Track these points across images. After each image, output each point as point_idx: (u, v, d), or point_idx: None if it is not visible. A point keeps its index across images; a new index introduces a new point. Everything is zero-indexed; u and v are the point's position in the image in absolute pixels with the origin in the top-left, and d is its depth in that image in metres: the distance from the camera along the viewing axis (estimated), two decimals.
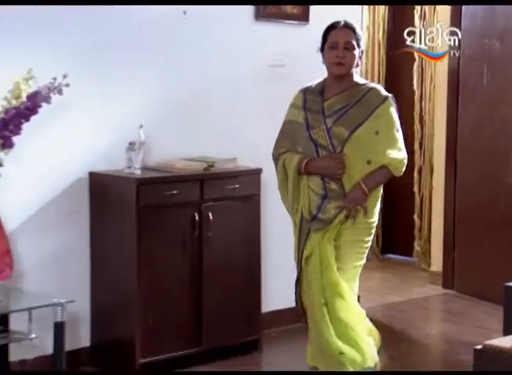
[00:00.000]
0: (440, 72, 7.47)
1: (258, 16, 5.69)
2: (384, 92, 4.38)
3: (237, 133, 5.74)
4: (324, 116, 4.30)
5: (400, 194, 8.14)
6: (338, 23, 4.37)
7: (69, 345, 4.68)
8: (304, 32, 5.86)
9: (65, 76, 4.50)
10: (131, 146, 5.09)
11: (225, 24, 5.61)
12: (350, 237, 4.35)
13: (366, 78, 6.97)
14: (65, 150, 5.04)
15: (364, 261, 4.48)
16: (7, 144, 4.41)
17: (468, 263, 7.10)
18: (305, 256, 4.38)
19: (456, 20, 6.91)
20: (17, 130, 4.44)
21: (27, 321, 4.49)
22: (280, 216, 4.87)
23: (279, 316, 5.95)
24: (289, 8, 5.92)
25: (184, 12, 5.27)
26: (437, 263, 7.47)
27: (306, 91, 4.43)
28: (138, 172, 5.07)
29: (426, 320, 6.74)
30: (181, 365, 5.05)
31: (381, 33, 8.27)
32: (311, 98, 4.38)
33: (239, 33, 5.69)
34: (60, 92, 4.51)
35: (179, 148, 5.45)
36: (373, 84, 4.51)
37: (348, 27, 4.33)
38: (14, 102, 4.44)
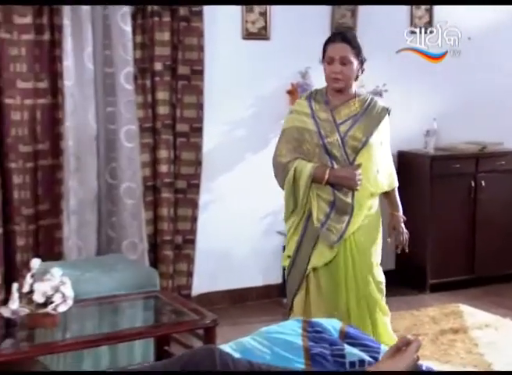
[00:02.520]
0: None
1: None
2: (383, 104, 3.49)
3: (504, 124, 5.93)
4: (336, 124, 3.36)
5: None
6: (335, 36, 3.49)
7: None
8: None
9: (384, 85, 5.04)
10: (427, 133, 5.56)
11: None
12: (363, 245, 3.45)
13: None
14: None
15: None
16: None
17: None
18: (313, 266, 3.42)
19: None
20: None
21: None
22: None
23: None
24: None
25: (469, 38, 5.45)
26: None
27: (310, 99, 3.45)
28: (431, 151, 5.52)
29: None
30: (458, 286, 5.41)
31: None
32: (317, 107, 3.41)
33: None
34: (381, 95, 5.01)
35: (461, 135, 5.73)
36: (370, 95, 3.56)
37: (345, 41, 3.37)
38: None
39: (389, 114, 3.48)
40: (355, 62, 3.38)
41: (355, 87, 3.49)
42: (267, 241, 5.19)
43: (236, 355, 2.38)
